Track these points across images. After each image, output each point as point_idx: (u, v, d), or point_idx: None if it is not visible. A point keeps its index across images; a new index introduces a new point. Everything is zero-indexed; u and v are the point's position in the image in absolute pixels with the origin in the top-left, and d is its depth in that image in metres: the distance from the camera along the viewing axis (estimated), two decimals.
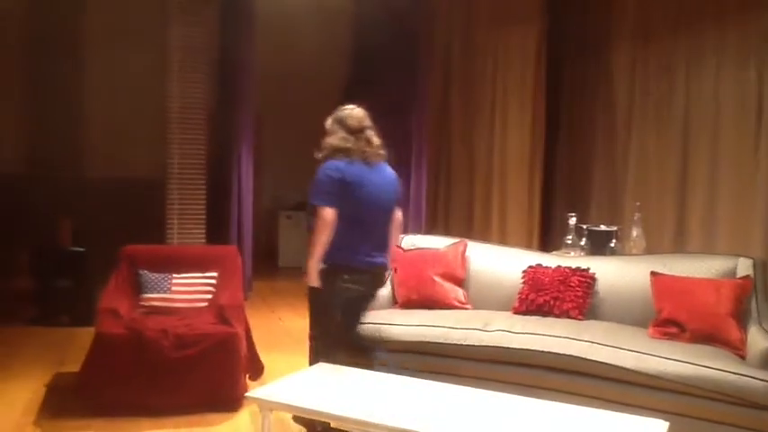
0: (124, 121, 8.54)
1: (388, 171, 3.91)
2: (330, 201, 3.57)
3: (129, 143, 8.59)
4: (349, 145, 3.71)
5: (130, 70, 8.25)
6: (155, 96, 7.93)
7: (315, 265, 3.61)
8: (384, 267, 3.89)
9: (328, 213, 3.56)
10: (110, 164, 8.71)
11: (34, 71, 8.61)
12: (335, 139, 3.74)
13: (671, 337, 3.66)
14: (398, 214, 4.01)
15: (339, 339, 3.78)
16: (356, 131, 3.75)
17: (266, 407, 3.06)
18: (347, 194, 3.60)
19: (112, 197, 8.45)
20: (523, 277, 4.31)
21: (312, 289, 3.68)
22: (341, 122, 3.78)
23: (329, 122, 3.85)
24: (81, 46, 8.73)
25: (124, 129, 8.57)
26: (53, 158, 8.47)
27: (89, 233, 6.97)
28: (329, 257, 3.61)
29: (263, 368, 4.68)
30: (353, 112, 3.83)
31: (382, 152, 3.84)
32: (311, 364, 3.73)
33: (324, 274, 3.63)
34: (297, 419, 3.69)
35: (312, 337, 3.92)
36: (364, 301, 3.93)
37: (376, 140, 3.81)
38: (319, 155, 3.75)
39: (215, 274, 4.91)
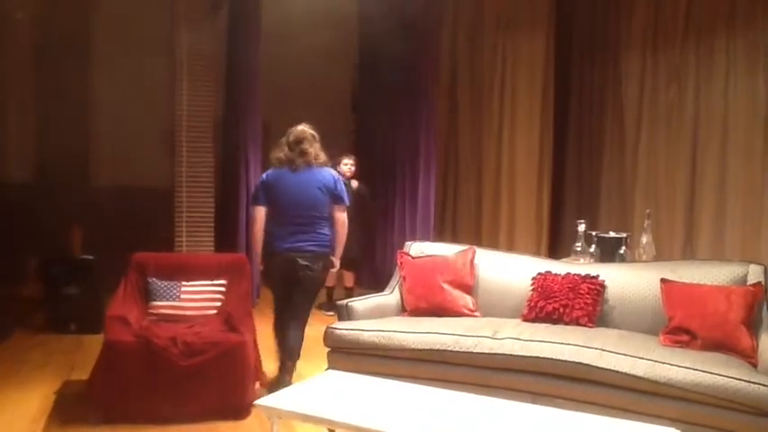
0: (133, 130, 8.58)
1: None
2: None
3: (138, 151, 8.63)
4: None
5: (138, 79, 8.29)
6: (163, 105, 7.96)
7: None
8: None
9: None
10: (118, 172, 8.75)
11: (43, 81, 8.66)
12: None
13: (682, 344, 3.64)
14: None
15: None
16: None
17: (274, 414, 3.05)
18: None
19: (121, 205, 8.48)
20: (532, 284, 4.29)
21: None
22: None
23: None
24: (89, 55, 8.78)
25: (133, 137, 8.61)
26: (62, 167, 8.51)
27: (99, 241, 6.98)
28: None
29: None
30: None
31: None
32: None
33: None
34: None
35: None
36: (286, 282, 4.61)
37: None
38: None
39: (224, 281, 4.91)
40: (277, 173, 4.66)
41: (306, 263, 4.53)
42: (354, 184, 7.28)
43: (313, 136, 4.81)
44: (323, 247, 4.63)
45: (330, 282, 7.35)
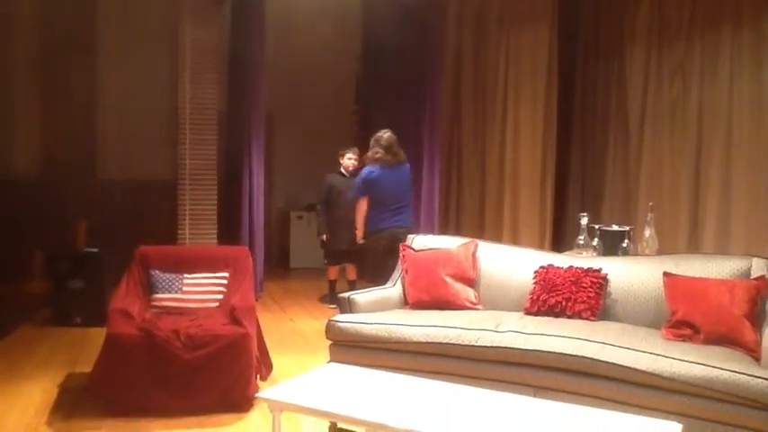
0: (137, 124, 8.59)
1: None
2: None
3: (142, 145, 8.65)
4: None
5: (143, 73, 8.29)
6: (167, 98, 7.98)
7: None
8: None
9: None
10: (123, 166, 8.78)
11: (47, 76, 8.68)
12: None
13: (685, 338, 3.63)
14: None
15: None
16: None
17: (277, 407, 3.05)
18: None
19: (126, 198, 8.52)
20: (535, 278, 4.29)
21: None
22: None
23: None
24: (94, 49, 8.79)
25: (137, 131, 8.62)
26: (67, 162, 8.54)
27: (103, 235, 7.01)
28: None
29: (271, 368, 4.70)
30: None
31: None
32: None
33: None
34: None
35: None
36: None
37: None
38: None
39: (226, 274, 4.92)
40: (378, 172, 6.25)
41: (401, 236, 5.50)
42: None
43: (396, 140, 6.36)
44: (408, 225, 6.34)
45: (332, 275, 7.49)
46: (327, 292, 7.56)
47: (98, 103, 8.88)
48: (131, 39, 8.52)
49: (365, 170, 6.37)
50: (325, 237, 7.32)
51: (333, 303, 7.08)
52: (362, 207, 6.37)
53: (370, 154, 6.33)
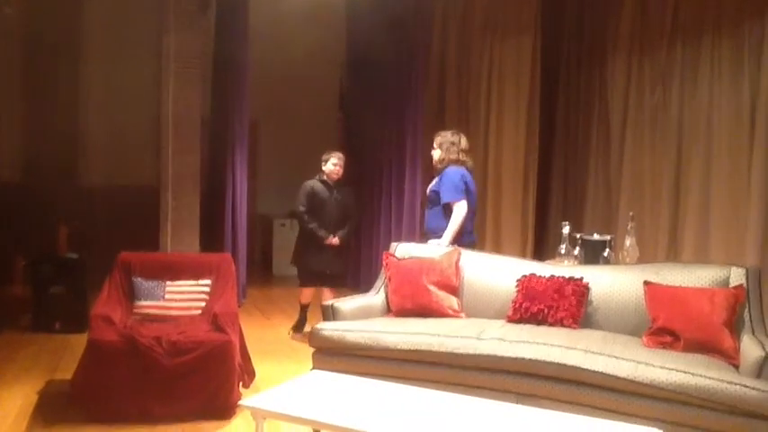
0: (120, 130, 8.58)
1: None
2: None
3: (125, 151, 8.63)
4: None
5: (127, 79, 8.28)
6: (150, 104, 7.96)
7: None
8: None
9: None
10: (105, 171, 8.75)
11: (31, 80, 8.63)
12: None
13: (665, 346, 3.67)
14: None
15: None
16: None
17: (260, 415, 3.05)
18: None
19: (108, 204, 8.48)
20: (517, 286, 4.32)
21: None
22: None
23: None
24: (78, 55, 8.77)
25: (120, 137, 8.60)
26: (49, 167, 8.49)
27: (85, 240, 6.97)
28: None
29: (254, 375, 4.69)
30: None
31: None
32: None
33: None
34: None
35: None
36: None
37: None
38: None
39: (209, 281, 4.91)
40: (465, 174, 5.39)
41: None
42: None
43: None
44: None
45: (306, 297, 6.54)
46: (298, 319, 6.56)
47: (81, 109, 8.86)
48: (116, 45, 8.51)
49: (454, 170, 5.30)
50: (336, 239, 6.33)
51: (298, 332, 6.40)
52: (465, 209, 5.23)
53: (443, 155, 5.38)
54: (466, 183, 5.30)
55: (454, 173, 5.28)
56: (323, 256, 6.32)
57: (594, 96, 7.51)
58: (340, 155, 6.49)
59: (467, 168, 5.42)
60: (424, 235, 5.58)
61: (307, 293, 6.51)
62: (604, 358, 3.45)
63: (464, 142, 5.49)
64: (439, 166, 5.43)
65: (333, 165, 6.40)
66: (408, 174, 7.87)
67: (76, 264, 6.53)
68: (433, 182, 5.52)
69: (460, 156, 5.40)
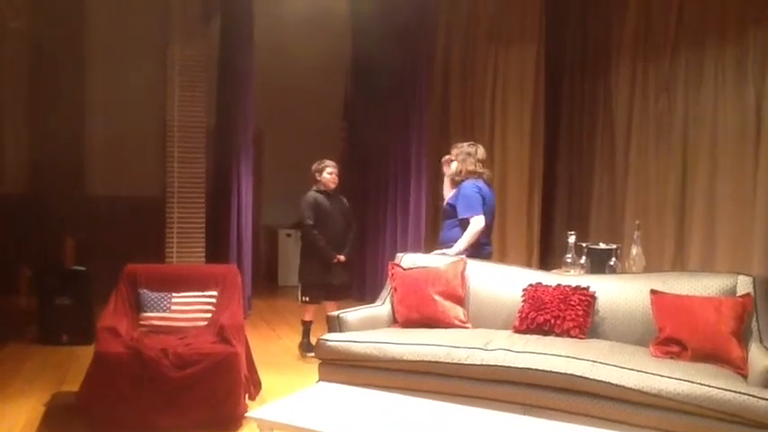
0: (125, 140, 8.59)
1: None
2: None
3: (130, 161, 8.64)
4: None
5: (131, 89, 8.30)
6: (155, 114, 7.98)
7: None
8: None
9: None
10: (111, 182, 8.76)
11: (37, 91, 8.66)
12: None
13: (673, 355, 3.65)
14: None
15: None
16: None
17: (266, 427, 3.05)
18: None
19: (114, 216, 8.48)
20: (523, 296, 4.30)
21: None
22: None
23: None
24: (82, 65, 8.79)
25: (125, 147, 8.62)
26: (55, 178, 8.50)
27: (91, 252, 6.97)
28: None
29: (260, 387, 4.69)
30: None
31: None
32: None
33: None
34: None
35: None
36: None
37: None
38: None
39: (215, 293, 4.91)
40: (483, 186, 5.27)
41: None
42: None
43: None
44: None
45: (309, 314, 6.27)
46: (302, 339, 6.25)
47: (86, 119, 8.88)
48: (120, 54, 8.54)
49: (470, 183, 5.21)
50: (341, 256, 6.18)
51: (310, 351, 5.77)
52: (481, 223, 5.11)
53: (460, 167, 5.30)
54: (483, 196, 5.19)
55: (470, 187, 5.19)
56: (333, 267, 6.16)
57: (599, 104, 7.51)
58: (333, 162, 6.33)
59: (484, 179, 5.32)
60: (439, 246, 5.36)
61: (311, 310, 6.28)
62: (611, 368, 3.43)
63: (481, 153, 5.39)
64: (456, 178, 5.33)
65: (328, 174, 6.22)
66: (413, 183, 7.86)
67: (82, 275, 6.53)
68: (450, 194, 5.40)
69: (477, 167, 5.29)
